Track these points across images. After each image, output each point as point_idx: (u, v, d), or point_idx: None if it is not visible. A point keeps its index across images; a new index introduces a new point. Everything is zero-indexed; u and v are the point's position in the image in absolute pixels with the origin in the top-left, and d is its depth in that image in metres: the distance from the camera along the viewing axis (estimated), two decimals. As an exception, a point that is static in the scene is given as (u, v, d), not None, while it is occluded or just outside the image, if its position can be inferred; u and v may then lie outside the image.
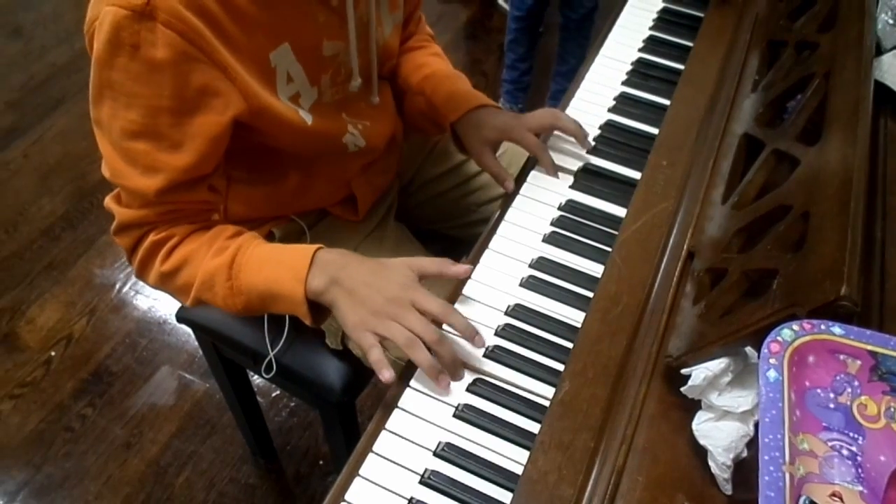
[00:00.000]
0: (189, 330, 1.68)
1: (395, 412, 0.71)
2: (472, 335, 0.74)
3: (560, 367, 0.72)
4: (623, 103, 1.06)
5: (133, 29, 0.68)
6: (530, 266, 0.84)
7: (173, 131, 0.75)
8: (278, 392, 1.63)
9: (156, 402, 1.61)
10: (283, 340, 1.06)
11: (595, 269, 0.82)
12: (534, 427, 0.68)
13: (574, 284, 0.82)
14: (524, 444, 0.67)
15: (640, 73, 1.10)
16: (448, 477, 0.66)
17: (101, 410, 1.60)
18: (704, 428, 0.60)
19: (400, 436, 0.69)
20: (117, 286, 1.83)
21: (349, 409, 1.15)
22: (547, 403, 0.69)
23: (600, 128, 1.01)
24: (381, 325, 0.75)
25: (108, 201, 0.84)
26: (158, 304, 1.79)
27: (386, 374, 0.72)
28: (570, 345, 0.74)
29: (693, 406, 0.62)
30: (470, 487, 0.65)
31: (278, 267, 0.80)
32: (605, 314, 0.74)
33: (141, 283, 1.82)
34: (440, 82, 1.04)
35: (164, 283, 0.85)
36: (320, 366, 1.07)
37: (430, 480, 0.66)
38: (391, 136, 1.05)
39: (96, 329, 1.74)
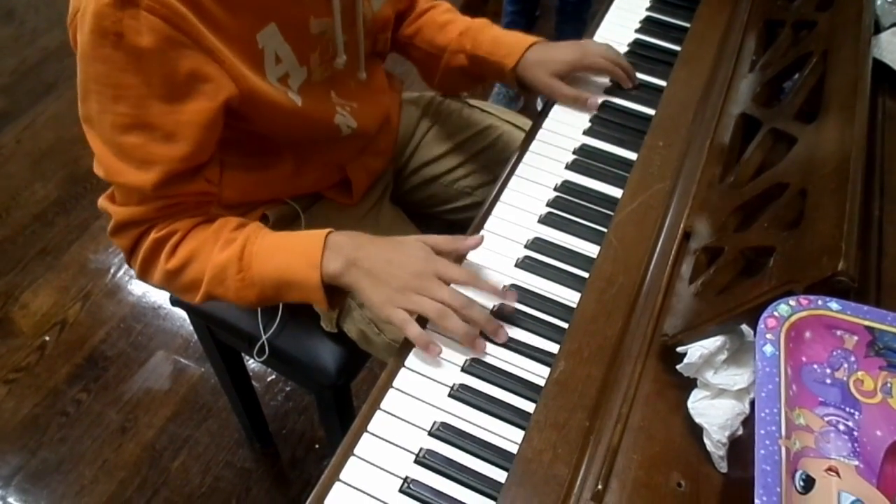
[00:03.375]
0: (183, 314, 1.69)
1: (390, 392, 0.71)
2: (501, 294, 0.76)
3: (556, 347, 0.72)
4: (620, 84, 1.05)
5: (116, 17, 0.67)
6: (526, 247, 0.83)
7: (165, 121, 0.73)
8: (274, 376, 1.63)
9: (151, 386, 1.61)
10: (276, 323, 1.06)
11: (591, 249, 0.82)
12: (529, 407, 0.68)
13: (570, 265, 0.81)
14: (519, 424, 0.67)
15: (637, 55, 1.09)
16: (443, 456, 0.66)
17: (96, 395, 1.59)
18: (700, 406, 0.60)
19: (395, 415, 0.69)
20: (111, 271, 1.82)
21: (344, 392, 1.14)
22: (542, 383, 0.69)
23: (597, 108, 1.00)
24: (409, 301, 0.74)
25: (102, 202, 0.82)
26: (153, 290, 1.78)
27: (434, 348, 0.72)
28: (565, 325, 0.74)
29: (688, 385, 0.62)
30: (465, 466, 0.65)
31: (290, 254, 0.79)
32: (600, 294, 0.74)
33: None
34: (478, 34, 1.02)
35: (171, 281, 0.83)
36: (315, 349, 1.07)
37: (426, 460, 0.65)
38: (383, 118, 1.04)
39: (91, 314, 1.73)
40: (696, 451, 0.59)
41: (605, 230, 0.82)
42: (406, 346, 0.74)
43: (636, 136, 0.94)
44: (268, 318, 1.05)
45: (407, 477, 0.64)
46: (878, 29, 0.86)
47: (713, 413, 0.58)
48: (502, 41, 1.02)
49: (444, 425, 0.68)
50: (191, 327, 1.67)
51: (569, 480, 0.59)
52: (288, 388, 1.62)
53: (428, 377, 0.71)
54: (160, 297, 1.77)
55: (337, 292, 0.80)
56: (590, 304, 0.73)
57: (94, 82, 0.71)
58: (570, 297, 0.77)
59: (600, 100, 0.99)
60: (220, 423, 1.56)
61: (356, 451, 0.67)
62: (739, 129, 0.82)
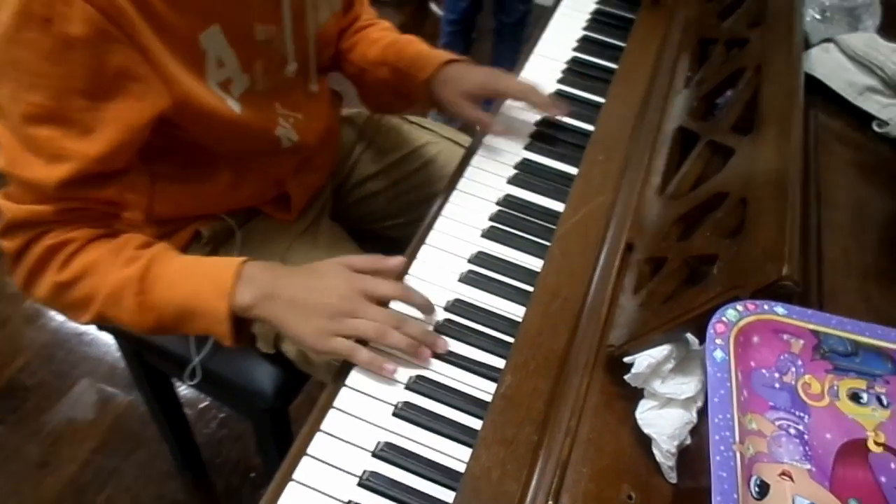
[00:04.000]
0: (109, 339, 1.61)
1: (331, 412, 0.68)
2: (430, 310, 0.74)
3: (501, 362, 0.71)
4: (559, 100, 1.05)
5: (47, 1, 0.62)
6: (469, 261, 0.82)
7: (84, 116, 0.68)
8: (207, 402, 1.57)
9: (74, 416, 1.52)
10: (209, 345, 1.01)
11: (534, 263, 0.81)
12: (476, 424, 0.66)
13: (514, 279, 0.80)
14: (467, 442, 0.65)
15: (575, 72, 1.10)
16: (388, 478, 0.63)
17: (14, 428, 1.50)
18: (648, 416, 0.59)
19: (336, 437, 0.66)
20: (32, 296, 1.72)
21: (282, 416, 1.10)
22: (489, 399, 0.67)
23: (536, 124, 1.00)
24: (344, 326, 0.71)
25: None
26: (77, 315, 1.69)
27: (389, 367, 0.69)
28: (511, 339, 0.73)
29: (635, 396, 0.61)
30: (411, 488, 0.62)
31: (198, 281, 0.74)
32: (545, 307, 0.73)
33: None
34: (403, 47, 1.01)
35: (58, 295, 0.76)
36: (250, 371, 1.03)
37: (370, 482, 0.63)
38: (325, 132, 1.02)
39: (9, 341, 1.63)
40: (645, 462, 0.59)
41: (548, 244, 0.81)
42: (346, 365, 0.71)
43: (576, 151, 0.94)
44: (200, 340, 1.01)
45: (350, 501, 0.61)
46: (808, 45, 0.89)
47: (661, 423, 0.58)
48: (424, 55, 1.00)
49: (389, 445, 0.65)
50: (117, 353, 1.60)
51: (519, 497, 0.58)
52: (222, 415, 1.56)
53: (371, 396, 0.69)
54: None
55: (244, 328, 0.76)
56: (535, 318, 0.72)
57: (11, 67, 0.66)
58: (516, 311, 0.76)
59: (501, 127, 0.96)
60: (149, 453, 1.49)
61: (295, 475, 0.63)
62: (677, 142, 0.84)
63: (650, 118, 0.92)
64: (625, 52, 1.08)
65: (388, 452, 0.65)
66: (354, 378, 0.70)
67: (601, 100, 1.02)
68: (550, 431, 0.61)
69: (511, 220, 0.87)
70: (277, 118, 0.90)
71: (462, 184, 0.92)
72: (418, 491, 0.62)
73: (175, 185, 0.93)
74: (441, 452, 0.65)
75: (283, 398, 1.04)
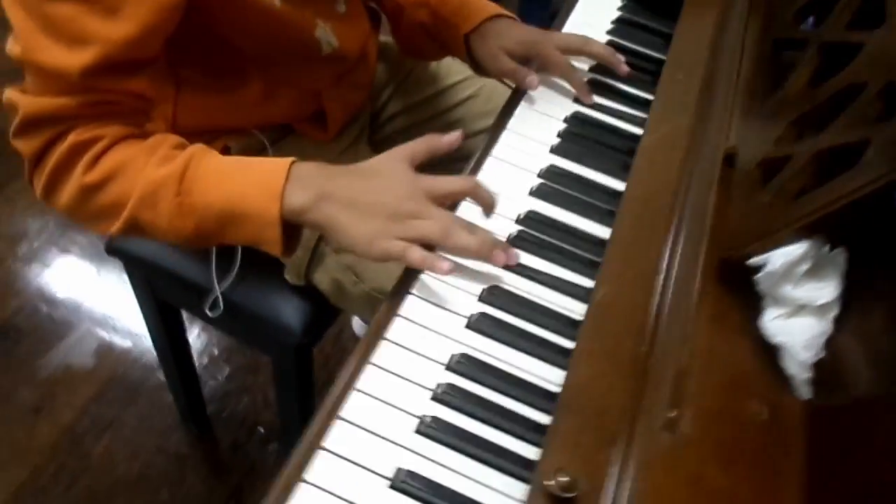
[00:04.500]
0: (112, 285, 1.52)
1: (397, 320, 0.60)
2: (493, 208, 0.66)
3: (583, 280, 0.63)
4: (622, 28, 0.97)
5: None
6: (539, 175, 0.74)
7: None
8: (215, 352, 1.48)
9: (71, 363, 1.43)
10: (233, 274, 0.93)
11: (610, 182, 0.74)
12: (563, 342, 0.59)
13: (590, 197, 0.72)
14: (553, 360, 0.57)
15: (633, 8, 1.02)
16: (467, 391, 0.55)
17: (6, 371, 1.40)
18: (776, 325, 0.51)
19: (405, 347, 0.58)
20: (30, 235, 1.62)
21: (306, 355, 1.02)
22: (574, 317, 0.60)
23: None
24: (405, 227, 0.63)
25: (10, 92, 0.66)
26: (79, 257, 1.60)
27: (444, 265, 0.61)
28: (592, 257, 0.65)
29: (753, 307, 0.54)
30: (496, 405, 0.55)
31: (245, 181, 0.65)
32: (637, 218, 0.65)
33: (57, 231, 1.62)
34: None
35: (85, 200, 0.67)
36: (277, 304, 0.94)
37: (446, 395, 0.55)
38: (365, 44, 0.94)
39: (3, 283, 1.53)
40: (771, 376, 0.51)
41: (626, 161, 0.74)
42: (407, 276, 0.63)
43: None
44: (221, 268, 0.92)
45: (423, 416, 0.53)
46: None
47: (793, 332, 0.50)
48: (469, 4, 0.92)
49: (465, 357, 0.57)
50: (119, 298, 1.50)
51: (631, 412, 0.50)
52: (229, 368, 1.47)
53: (440, 306, 0.61)
54: (87, 263, 1.59)
55: (294, 235, 0.68)
56: (627, 227, 0.64)
57: None
58: (594, 229, 0.69)
59: (537, 80, 0.84)
60: (150, 404, 1.40)
61: (359, 384, 0.55)
62: (767, 57, 0.76)
63: (731, 38, 0.84)
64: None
65: (464, 365, 0.57)
66: (421, 286, 0.62)
67: (669, 31, 0.94)
68: (660, 343, 0.54)
69: (581, 138, 0.79)
70: (316, 19, 0.82)
71: (525, 102, 0.84)
72: (505, 409, 0.54)
73: (202, 94, 0.84)
74: (525, 371, 0.57)
75: (312, 334, 0.96)
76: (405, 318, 0.60)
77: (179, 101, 0.84)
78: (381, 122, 1.10)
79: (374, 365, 0.56)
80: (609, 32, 0.96)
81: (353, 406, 0.53)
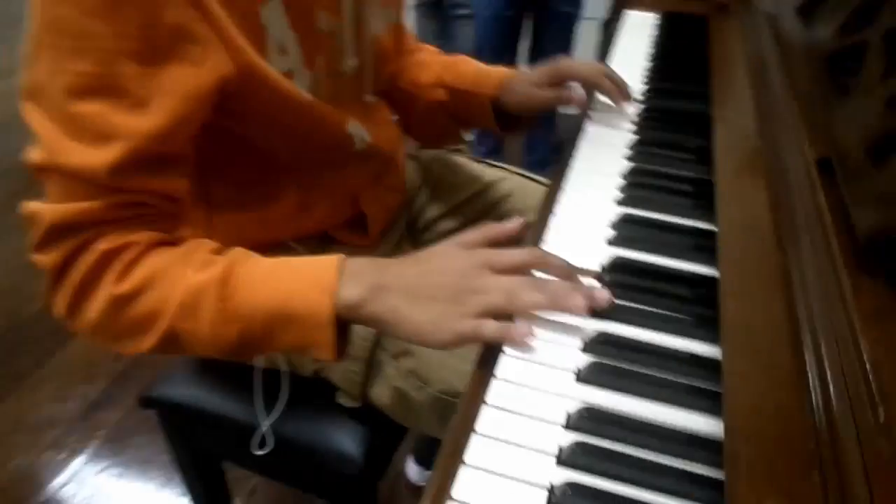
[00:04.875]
0: (142, 467, 1.38)
1: (495, 383, 0.50)
2: (571, 274, 0.58)
3: (684, 317, 0.55)
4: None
5: None
6: (611, 227, 0.68)
7: (137, 84, 0.57)
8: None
9: None
10: (281, 404, 0.84)
11: (685, 221, 0.68)
12: (682, 379, 0.50)
13: (668, 236, 0.66)
14: (679, 402, 0.48)
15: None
16: (595, 447, 0.45)
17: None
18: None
19: (512, 412, 0.48)
20: (54, 423, 1.52)
21: (370, 492, 0.90)
22: (684, 354, 0.51)
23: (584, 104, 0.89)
24: (471, 304, 0.56)
25: (31, 204, 0.60)
26: (101, 441, 1.48)
27: (522, 329, 0.54)
28: (685, 292, 0.57)
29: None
30: (629, 456, 0.45)
31: (293, 278, 0.59)
32: (739, 235, 0.58)
33: (79, 416, 1.52)
34: (460, 68, 0.94)
35: (116, 313, 0.60)
36: (333, 431, 0.84)
37: (571, 458, 0.45)
38: (396, 142, 0.91)
39: (30, 473, 1.41)
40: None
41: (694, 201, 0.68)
42: (488, 353, 0.54)
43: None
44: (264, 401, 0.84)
45: (552, 486, 0.43)
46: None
47: None
48: (484, 72, 0.94)
49: (588, 411, 0.47)
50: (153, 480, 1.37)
51: (822, 424, 0.40)
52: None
53: (542, 364, 0.52)
54: (113, 448, 1.47)
55: (344, 337, 0.61)
56: (732, 243, 0.57)
57: (51, 32, 0.55)
58: (685, 266, 0.61)
59: (583, 94, 0.89)
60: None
61: (468, 458, 0.45)
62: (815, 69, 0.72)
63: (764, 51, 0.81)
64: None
65: (587, 420, 0.47)
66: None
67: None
68: (828, 349, 0.44)
69: (643, 187, 0.74)
70: (346, 114, 0.79)
71: (576, 168, 0.79)
72: (643, 461, 0.44)
73: (236, 211, 0.80)
74: (652, 417, 0.47)
75: (375, 463, 0.85)
76: (505, 380, 0.51)
77: (213, 223, 0.80)
78: (422, 227, 1.05)
79: (483, 435, 0.47)
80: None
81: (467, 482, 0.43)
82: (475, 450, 0.46)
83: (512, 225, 0.63)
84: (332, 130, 0.77)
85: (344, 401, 0.84)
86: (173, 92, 0.58)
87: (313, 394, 0.84)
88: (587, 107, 0.90)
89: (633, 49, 1.09)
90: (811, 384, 0.42)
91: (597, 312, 0.56)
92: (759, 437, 0.40)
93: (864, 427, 0.37)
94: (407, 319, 0.57)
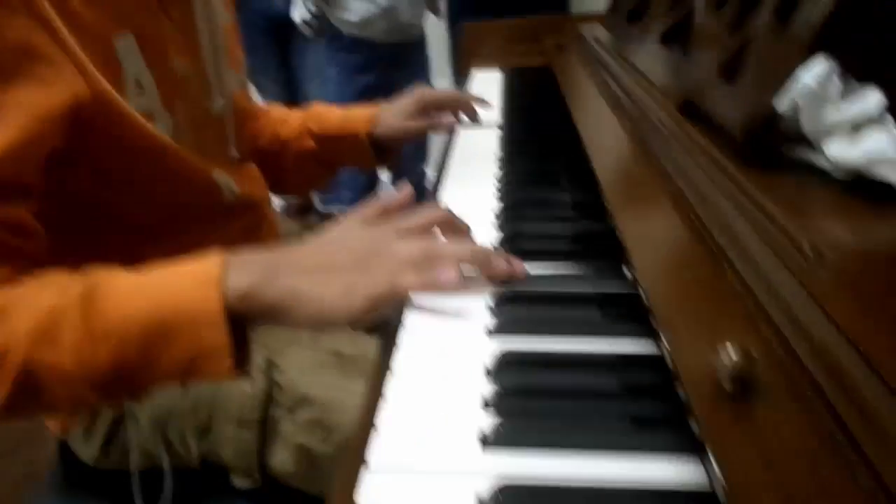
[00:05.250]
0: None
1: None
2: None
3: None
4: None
5: None
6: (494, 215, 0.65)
7: None
8: None
9: None
10: (167, 496, 0.72)
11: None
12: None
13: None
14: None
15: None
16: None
17: None
18: (847, 150, 0.42)
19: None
20: None
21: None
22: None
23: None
24: (382, 267, 0.52)
25: None
26: None
27: (450, 273, 0.52)
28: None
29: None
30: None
31: (171, 280, 0.51)
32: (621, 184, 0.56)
33: None
34: (323, 114, 0.96)
35: None
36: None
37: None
38: (266, 196, 0.87)
39: None
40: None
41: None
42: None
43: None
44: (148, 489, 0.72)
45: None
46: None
47: (872, 146, 0.41)
48: (350, 114, 0.97)
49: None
50: None
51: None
52: None
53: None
54: None
55: (244, 345, 0.53)
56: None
57: None
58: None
59: (452, 118, 0.97)
60: None
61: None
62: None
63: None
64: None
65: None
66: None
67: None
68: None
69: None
70: (212, 164, 0.74)
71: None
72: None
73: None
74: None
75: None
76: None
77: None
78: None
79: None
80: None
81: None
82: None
83: (405, 192, 0.61)
84: (196, 177, 0.72)
85: (240, 482, 0.73)
86: (19, 108, 0.53)
87: (203, 484, 0.74)
88: (454, 129, 0.97)
89: (486, 92, 1.12)
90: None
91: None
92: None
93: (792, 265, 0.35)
94: (309, 297, 0.51)
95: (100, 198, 0.65)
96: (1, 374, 0.48)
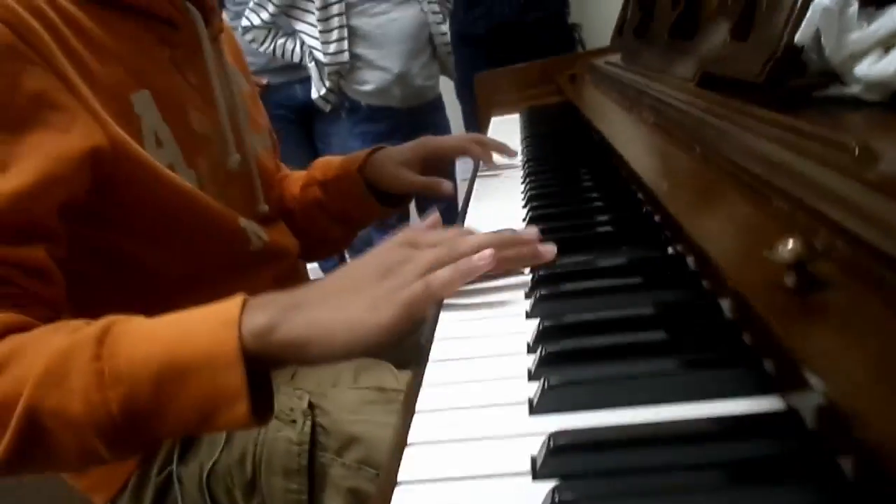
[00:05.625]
0: None
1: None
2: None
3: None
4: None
5: None
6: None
7: None
8: None
9: None
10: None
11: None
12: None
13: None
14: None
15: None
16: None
17: None
18: (882, 67, 0.40)
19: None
20: None
21: None
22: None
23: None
24: (406, 272, 0.50)
25: None
26: None
27: (484, 258, 0.49)
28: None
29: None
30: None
31: (187, 323, 0.49)
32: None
33: None
34: (329, 162, 0.95)
35: None
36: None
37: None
38: (296, 247, 0.86)
39: None
40: None
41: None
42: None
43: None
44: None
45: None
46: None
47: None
48: (349, 157, 0.95)
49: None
50: None
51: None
52: None
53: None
54: None
55: (264, 388, 0.50)
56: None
57: None
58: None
59: (451, 185, 0.90)
60: None
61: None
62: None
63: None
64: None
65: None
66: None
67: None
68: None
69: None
70: (238, 213, 0.74)
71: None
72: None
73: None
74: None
75: None
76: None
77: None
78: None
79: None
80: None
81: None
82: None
83: (432, 219, 0.59)
84: (222, 224, 0.72)
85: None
86: (37, 154, 0.54)
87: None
88: (454, 198, 0.91)
89: (507, 132, 1.12)
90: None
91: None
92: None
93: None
94: (332, 325, 0.48)
95: (126, 250, 0.65)
96: (4, 419, 0.46)
